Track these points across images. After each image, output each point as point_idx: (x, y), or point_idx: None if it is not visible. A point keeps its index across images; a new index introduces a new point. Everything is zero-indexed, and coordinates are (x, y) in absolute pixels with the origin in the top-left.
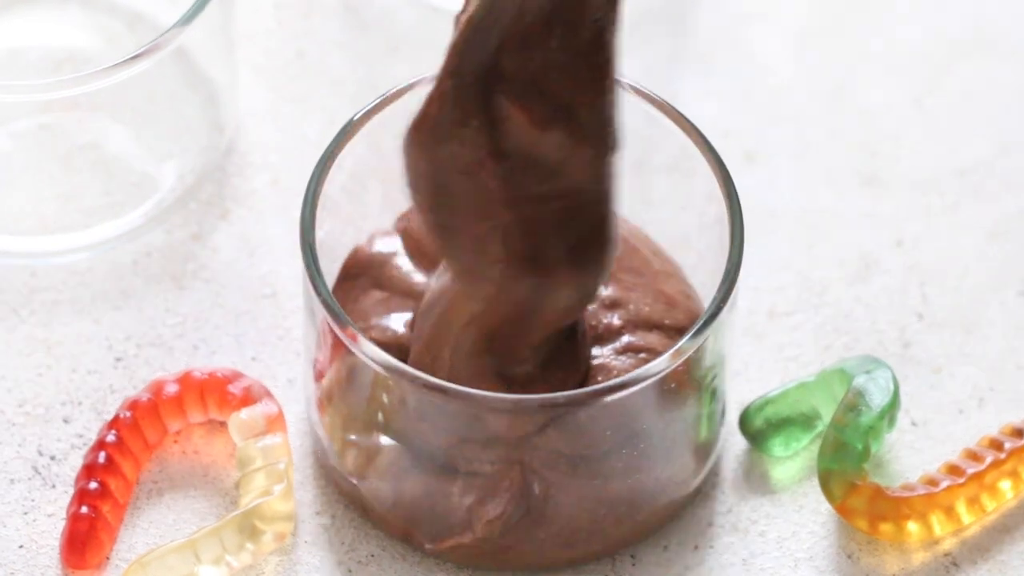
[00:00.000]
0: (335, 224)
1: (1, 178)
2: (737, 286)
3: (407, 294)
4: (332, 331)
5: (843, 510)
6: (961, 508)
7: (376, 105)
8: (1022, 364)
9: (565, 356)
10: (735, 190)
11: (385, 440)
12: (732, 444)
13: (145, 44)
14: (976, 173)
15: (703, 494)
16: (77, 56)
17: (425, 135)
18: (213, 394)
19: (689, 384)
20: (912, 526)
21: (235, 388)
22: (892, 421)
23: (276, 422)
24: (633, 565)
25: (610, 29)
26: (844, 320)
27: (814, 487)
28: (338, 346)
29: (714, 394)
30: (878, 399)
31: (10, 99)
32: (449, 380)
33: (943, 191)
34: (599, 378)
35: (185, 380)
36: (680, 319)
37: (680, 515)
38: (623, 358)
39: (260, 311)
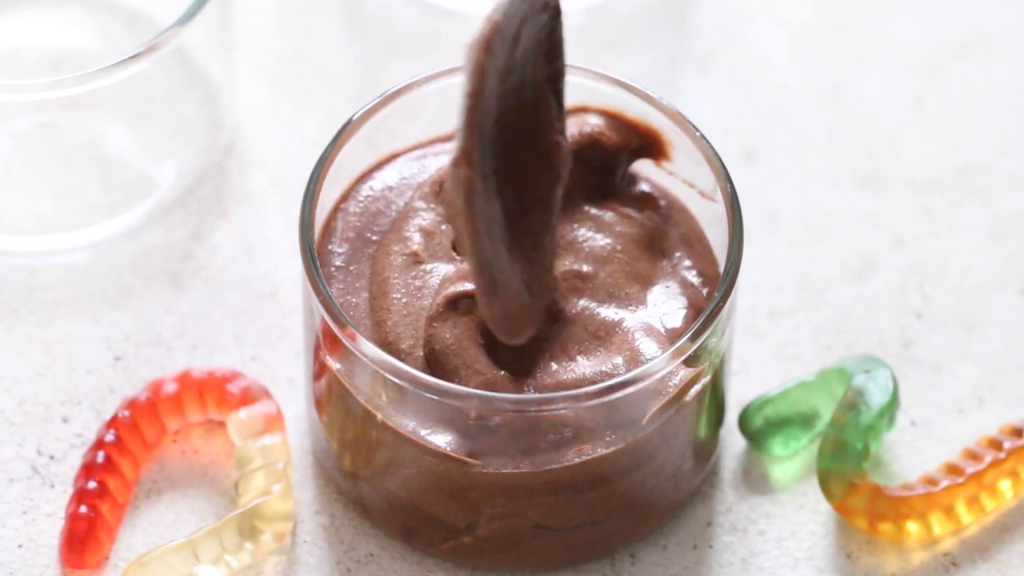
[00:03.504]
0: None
1: (0, 177)
2: (737, 286)
3: None
4: (331, 331)
5: (842, 509)
6: (960, 508)
7: (376, 105)
8: (1022, 364)
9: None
10: (735, 190)
11: (384, 440)
12: (732, 444)
13: (144, 43)
14: (976, 173)
15: (703, 494)
16: (76, 55)
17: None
18: (212, 393)
19: (689, 384)
20: (911, 526)
21: (234, 387)
22: (891, 420)
23: (275, 422)
24: (632, 564)
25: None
26: (844, 320)
27: (813, 487)
28: (337, 345)
29: (714, 394)
30: (877, 398)
31: (9, 98)
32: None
33: (943, 191)
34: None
35: (184, 379)
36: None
37: (680, 515)
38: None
39: (260, 311)
